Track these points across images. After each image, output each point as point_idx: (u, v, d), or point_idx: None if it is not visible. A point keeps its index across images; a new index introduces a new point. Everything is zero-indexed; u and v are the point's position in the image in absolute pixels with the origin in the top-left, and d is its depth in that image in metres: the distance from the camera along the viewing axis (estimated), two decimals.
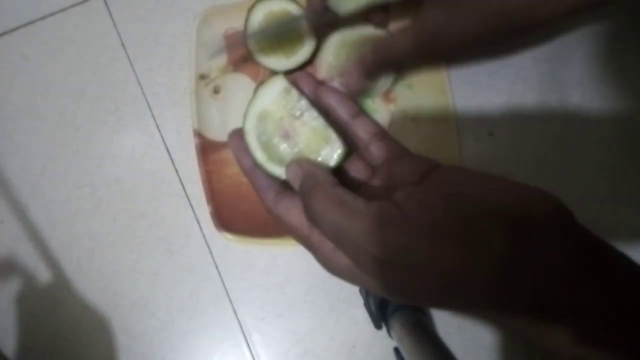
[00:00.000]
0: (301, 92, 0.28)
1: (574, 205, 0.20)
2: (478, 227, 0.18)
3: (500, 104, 0.42)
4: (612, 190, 0.41)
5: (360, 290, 0.41)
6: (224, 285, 0.42)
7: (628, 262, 0.19)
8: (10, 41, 0.44)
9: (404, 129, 0.40)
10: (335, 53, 0.37)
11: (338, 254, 0.23)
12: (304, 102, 0.27)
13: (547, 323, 0.19)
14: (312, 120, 0.27)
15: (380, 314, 0.38)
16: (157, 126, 0.43)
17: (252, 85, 0.41)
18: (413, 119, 0.40)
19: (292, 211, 0.25)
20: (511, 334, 0.41)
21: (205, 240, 0.42)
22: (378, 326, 0.39)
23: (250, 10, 0.37)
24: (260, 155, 0.27)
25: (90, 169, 0.42)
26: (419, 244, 0.19)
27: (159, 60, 0.43)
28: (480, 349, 0.41)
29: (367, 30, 0.36)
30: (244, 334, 0.41)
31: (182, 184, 0.42)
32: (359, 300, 0.41)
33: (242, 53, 0.39)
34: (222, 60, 0.42)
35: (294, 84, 0.29)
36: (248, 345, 0.41)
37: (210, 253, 0.42)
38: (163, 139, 0.43)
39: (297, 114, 0.27)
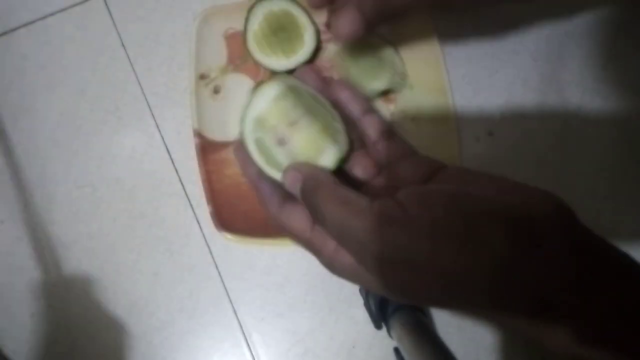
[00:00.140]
0: (305, 89, 0.28)
1: (574, 205, 0.20)
2: (478, 226, 0.18)
3: (500, 104, 0.42)
4: (612, 190, 0.41)
5: (360, 290, 0.41)
6: (224, 285, 0.42)
7: (630, 262, 0.19)
8: (10, 41, 0.44)
9: (404, 129, 0.40)
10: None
11: (340, 254, 0.23)
12: (299, 110, 0.27)
13: (547, 323, 0.19)
14: (308, 126, 0.27)
15: (380, 314, 0.38)
16: (157, 126, 0.43)
17: (252, 85, 0.41)
18: (413, 119, 0.40)
19: (294, 217, 0.25)
20: (511, 334, 0.41)
21: (205, 240, 0.42)
22: (378, 326, 0.39)
23: (250, 10, 0.37)
24: (258, 159, 0.27)
25: (90, 169, 0.42)
26: (419, 244, 0.19)
27: (159, 60, 0.43)
28: (480, 349, 0.41)
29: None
30: (244, 334, 0.41)
31: (182, 184, 0.42)
32: (359, 300, 0.41)
33: (242, 53, 0.39)
34: (222, 60, 0.42)
35: (298, 84, 0.28)
36: (248, 345, 0.41)
37: (210, 253, 0.42)
38: (163, 139, 0.43)
39: (293, 120, 0.27)
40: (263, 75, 0.40)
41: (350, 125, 0.29)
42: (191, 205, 0.42)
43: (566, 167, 0.42)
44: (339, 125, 0.28)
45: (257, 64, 0.38)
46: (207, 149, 0.40)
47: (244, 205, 0.40)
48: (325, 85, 0.30)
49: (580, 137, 0.42)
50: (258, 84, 0.28)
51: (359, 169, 0.28)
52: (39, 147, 0.43)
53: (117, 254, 0.42)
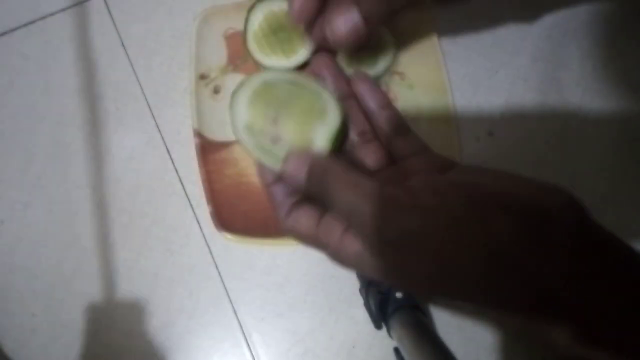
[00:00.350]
0: (280, 78, 0.28)
1: None
2: (489, 217, 0.18)
3: (500, 104, 0.42)
4: (612, 190, 0.41)
5: (360, 290, 0.41)
6: (224, 285, 0.42)
7: None
8: (10, 41, 0.44)
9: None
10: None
11: (345, 243, 0.23)
12: (273, 105, 0.27)
13: (547, 320, 0.19)
14: (289, 117, 0.27)
15: (380, 314, 0.38)
16: (157, 126, 0.43)
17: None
18: (413, 119, 0.40)
19: (301, 219, 0.25)
20: (511, 333, 0.41)
21: (205, 240, 0.42)
22: (378, 326, 0.39)
23: (250, 10, 0.37)
24: (267, 161, 0.27)
25: (90, 169, 0.42)
26: (427, 230, 0.19)
27: (159, 60, 0.43)
28: (480, 349, 0.41)
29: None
30: (244, 334, 0.41)
31: (182, 184, 0.42)
32: (359, 300, 0.41)
33: (242, 53, 0.39)
34: (222, 60, 0.42)
35: (270, 76, 0.28)
36: (248, 345, 0.41)
37: (210, 253, 0.42)
38: (163, 139, 0.43)
39: (273, 117, 0.27)
40: None
41: (366, 116, 0.29)
42: (191, 205, 0.42)
43: (566, 167, 0.42)
44: (325, 100, 0.27)
45: (257, 64, 0.38)
46: (207, 149, 0.40)
47: (244, 205, 0.40)
48: (341, 77, 0.30)
49: (580, 137, 0.42)
50: (232, 95, 0.28)
51: (371, 159, 0.28)
52: (39, 147, 0.43)
53: (117, 254, 0.42)
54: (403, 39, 0.40)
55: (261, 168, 0.28)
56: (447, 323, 0.41)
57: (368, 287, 0.39)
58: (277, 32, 0.38)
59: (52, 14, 0.44)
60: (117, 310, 0.42)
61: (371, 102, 0.29)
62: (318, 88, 0.28)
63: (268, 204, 0.28)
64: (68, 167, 0.43)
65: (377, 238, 0.20)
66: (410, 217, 0.19)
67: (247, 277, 0.42)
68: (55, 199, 0.42)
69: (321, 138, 0.27)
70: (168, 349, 0.41)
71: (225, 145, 0.41)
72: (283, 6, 0.37)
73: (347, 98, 0.29)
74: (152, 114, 0.43)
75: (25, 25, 0.44)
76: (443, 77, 0.40)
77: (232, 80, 0.41)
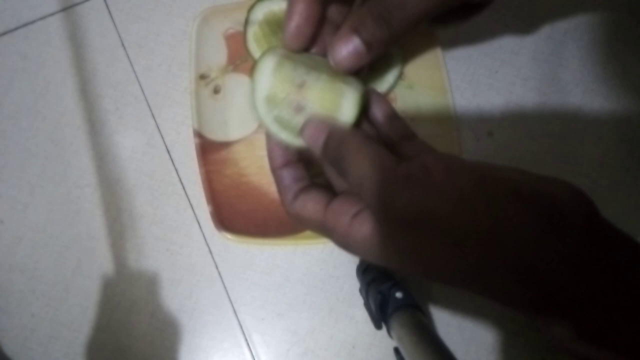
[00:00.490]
0: (298, 54, 0.27)
1: None
2: (503, 202, 0.18)
3: (500, 104, 0.42)
4: (612, 190, 0.41)
5: (360, 290, 0.41)
6: (224, 285, 0.42)
7: None
8: (10, 41, 0.44)
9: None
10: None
11: (354, 227, 0.23)
12: (301, 70, 0.26)
13: (549, 315, 0.18)
14: (317, 80, 0.26)
15: (380, 314, 0.38)
16: (157, 126, 0.43)
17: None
18: (413, 119, 0.40)
19: (308, 204, 0.25)
20: (511, 332, 0.41)
21: (205, 240, 0.42)
22: (378, 326, 0.39)
23: (250, 10, 0.37)
24: (284, 136, 0.26)
25: (90, 169, 0.42)
26: (440, 209, 0.19)
27: (159, 60, 0.43)
28: (480, 349, 0.41)
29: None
30: (244, 334, 0.41)
31: (182, 184, 0.42)
32: (359, 300, 0.41)
33: (242, 53, 0.39)
34: (222, 60, 0.42)
35: (290, 53, 0.27)
36: (248, 345, 0.41)
37: (210, 253, 0.42)
38: (163, 139, 0.43)
39: (300, 82, 0.27)
40: None
41: (372, 125, 0.29)
42: (191, 205, 0.42)
43: (566, 167, 0.42)
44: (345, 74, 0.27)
45: None
46: (207, 149, 0.40)
47: (244, 205, 0.40)
48: None
49: (580, 137, 0.42)
50: (253, 67, 0.28)
51: (378, 112, 0.28)
52: (39, 147, 0.43)
53: (117, 254, 0.42)
54: (403, 39, 0.40)
55: (271, 150, 0.28)
56: (447, 323, 0.41)
57: (368, 287, 0.39)
58: (277, 32, 0.38)
59: (52, 14, 0.44)
60: (117, 310, 0.42)
61: (378, 112, 0.29)
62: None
63: (275, 185, 0.28)
64: (68, 167, 0.43)
65: (387, 213, 0.20)
66: (426, 195, 0.19)
67: (247, 277, 0.42)
68: (55, 199, 0.42)
69: (350, 102, 0.26)
70: (168, 349, 0.41)
71: (225, 145, 0.41)
72: (283, 6, 0.37)
73: None
74: (152, 114, 0.43)
75: (25, 25, 0.44)
76: (443, 77, 0.40)
77: (232, 80, 0.41)
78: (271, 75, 0.26)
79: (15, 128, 0.43)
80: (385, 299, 0.38)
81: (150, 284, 0.41)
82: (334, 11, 0.28)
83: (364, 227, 0.22)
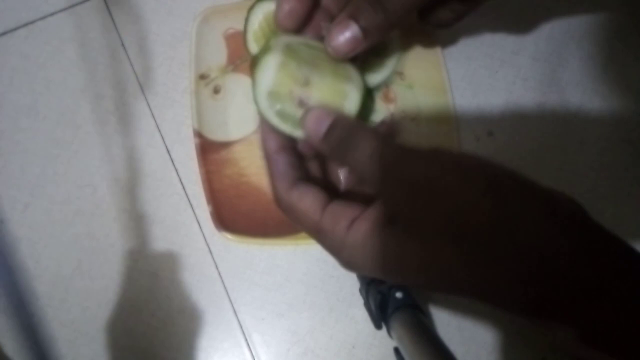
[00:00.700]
0: (298, 42, 0.27)
1: None
2: (514, 201, 0.18)
3: (500, 104, 0.42)
4: (612, 190, 0.41)
5: (360, 290, 0.41)
6: (224, 285, 0.42)
7: None
8: (10, 41, 0.44)
9: (404, 129, 0.40)
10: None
11: (352, 233, 0.22)
12: (305, 69, 0.26)
13: (548, 319, 0.18)
14: (322, 78, 0.26)
15: (380, 314, 0.38)
16: (157, 126, 0.43)
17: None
18: (413, 119, 0.40)
19: (306, 197, 0.24)
20: (511, 334, 0.41)
21: (205, 240, 0.42)
22: (378, 326, 0.39)
23: (250, 10, 0.37)
24: (285, 128, 0.26)
25: (90, 169, 0.42)
26: (448, 208, 0.19)
27: (159, 60, 0.43)
28: (480, 349, 0.41)
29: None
30: (244, 334, 0.41)
31: (182, 184, 0.42)
32: (359, 300, 0.41)
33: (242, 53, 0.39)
34: (222, 60, 0.42)
35: (290, 40, 0.27)
36: (248, 345, 0.41)
37: (210, 253, 0.42)
38: (163, 139, 0.43)
39: (304, 80, 0.26)
40: None
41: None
42: (191, 205, 0.42)
43: (566, 167, 0.42)
44: (347, 68, 0.27)
45: None
46: (207, 149, 0.40)
47: (244, 205, 0.40)
48: None
49: (580, 137, 0.42)
50: (254, 60, 0.27)
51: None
52: (39, 147, 0.43)
53: (117, 254, 0.42)
54: (403, 39, 0.40)
55: (265, 135, 0.27)
56: (447, 323, 0.41)
57: (368, 287, 0.39)
58: (277, 32, 0.38)
59: (52, 14, 0.44)
60: (117, 308, 0.42)
61: None
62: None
63: (268, 175, 0.26)
64: (68, 167, 0.43)
65: (393, 203, 0.20)
66: (432, 193, 0.19)
67: (247, 277, 0.42)
68: (55, 199, 0.42)
69: (352, 99, 0.26)
70: (168, 349, 0.41)
71: (225, 145, 0.41)
72: None
73: None
74: (152, 114, 0.43)
75: (25, 25, 0.44)
76: (443, 77, 0.40)
77: (232, 80, 0.41)
78: (275, 73, 0.26)
79: (15, 128, 0.43)
80: (385, 299, 0.38)
81: (150, 284, 0.41)
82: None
83: (362, 232, 0.21)
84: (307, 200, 0.24)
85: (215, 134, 0.40)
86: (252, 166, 0.41)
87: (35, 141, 0.43)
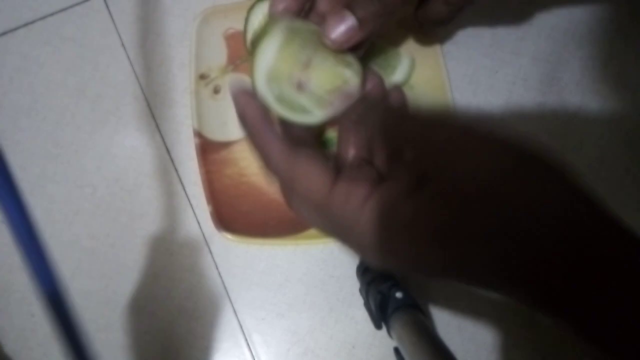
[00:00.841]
0: (299, 24, 0.27)
1: None
2: (540, 177, 0.18)
3: (500, 104, 0.42)
4: (612, 190, 0.41)
5: (360, 290, 0.41)
6: (224, 285, 0.42)
7: None
8: (10, 41, 0.44)
9: None
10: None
11: (369, 207, 0.20)
12: (309, 49, 0.26)
13: (550, 312, 0.18)
14: (323, 61, 0.26)
15: (380, 314, 0.38)
16: (157, 126, 0.43)
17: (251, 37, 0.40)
18: None
19: (314, 163, 0.21)
20: (511, 333, 0.41)
21: (205, 240, 0.42)
22: (378, 326, 0.39)
23: (250, 10, 0.37)
24: (283, 112, 0.25)
25: (90, 169, 0.42)
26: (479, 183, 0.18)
27: (159, 60, 0.43)
28: (480, 349, 0.41)
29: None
30: (244, 334, 0.41)
31: (182, 184, 0.42)
32: (359, 300, 0.41)
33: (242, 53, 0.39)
34: (222, 60, 0.42)
35: (293, 22, 0.26)
36: (248, 345, 0.41)
37: (210, 253, 0.42)
38: (163, 139, 0.43)
39: (305, 61, 0.26)
40: None
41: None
42: (191, 205, 0.42)
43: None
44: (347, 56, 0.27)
45: None
46: (207, 149, 0.40)
47: (244, 205, 0.40)
48: None
49: (580, 137, 0.42)
50: (255, 37, 0.26)
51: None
52: (39, 147, 0.43)
53: (117, 254, 0.42)
54: (403, 39, 0.40)
55: (246, 103, 0.24)
56: (447, 323, 0.41)
57: (368, 287, 0.39)
58: (277, 16, 0.38)
59: (52, 14, 0.44)
60: (117, 310, 0.42)
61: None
62: None
63: (254, 146, 0.23)
64: (68, 167, 0.43)
65: (428, 164, 0.19)
66: (467, 159, 0.18)
67: (247, 277, 0.42)
68: (55, 199, 0.42)
69: (352, 83, 0.26)
70: (168, 349, 0.41)
71: (225, 145, 0.41)
72: None
73: None
74: (152, 114, 0.43)
75: (25, 25, 0.44)
76: (443, 77, 0.40)
77: (232, 80, 0.41)
78: (276, 54, 0.25)
79: (15, 128, 0.43)
80: (385, 299, 0.38)
81: (150, 284, 0.41)
82: None
83: (382, 205, 0.19)
84: (316, 167, 0.21)
85: (215, 134, 0.40)
86: (252, 166, 0.41)
87: (35, 141, 0.43)
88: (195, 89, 0.40)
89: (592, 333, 0.17)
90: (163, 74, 0.43)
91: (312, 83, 0.26)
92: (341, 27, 0.25)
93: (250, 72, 0.26)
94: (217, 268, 0.42)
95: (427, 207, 0.18)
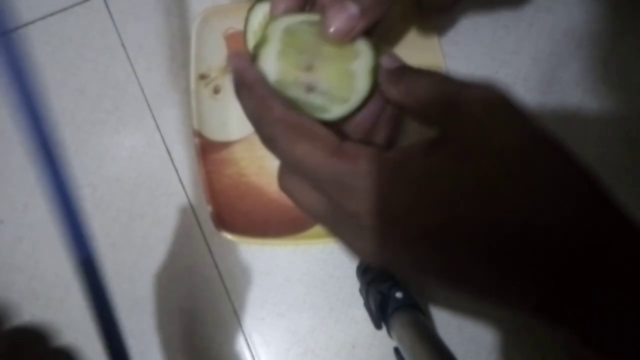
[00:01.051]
0: (296, 20, 0.26)
1: None
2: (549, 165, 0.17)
3: None
4: (612, 190, 0.41)
5: (360, 290, 0.41)
6: (224, 285, 0.42)
7: None
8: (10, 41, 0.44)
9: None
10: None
11: (374, 166, 0.18)
12: (306, 52, 0.25)
13: (546, 320, 0.18)
14: (326, 60, 0.25)
15: (380, 314, 0.38)
16: (157, 126, 0.43)
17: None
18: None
19: (318, 125, 0.20)
20: (510, 333, 0.41)
21: (205, 240, 0.42)
22: (378, 326, 0.39)
23: (250, 10, 0.37)
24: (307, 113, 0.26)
25: (90, 169, 0.42)
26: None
27: (159, 60, 0.43)
28: (480, 349, 0.41)
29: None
30: (244, 334, 0.41)
31: (182, 184, 0.42)
32: (359, 300, 0.41)
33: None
34: (222, 60, 0.42)
35: (289, 20, 0.26)
36: (248, 345, 0.41)
37: (210, 253, 0.42)
38: (163, 139, 0.43)
39: (307, 65, 0.26)
40: None
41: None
42: (191, 205, 0.42)
43: None
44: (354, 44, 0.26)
45: None
46: (207, 149, 0.40)
47: (244, 205, 0.40)
48: None
49: (580, 137, 0.42)
50: (253, 55, 0.26)
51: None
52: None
53: (117, 253, 0.42)
54: (403, 39, 0.40)
55: (242, 63, 0.23)
56: (447, 323, 0.41)
57: (368, 287, 0.39)
58: (272, 18, 0.37)
59: (52, 14, 0.44)
60: (117, 310, 0.41)
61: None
62: None
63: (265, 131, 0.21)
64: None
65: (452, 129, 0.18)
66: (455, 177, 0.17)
67: (247, 277, 0.42)
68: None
69: (359, 85, 0.26)
70: (168, 349, 0.41)
71: (225, 145, 0.41)
72: None
73: None
74: (152, 114, 0.43)
75: (25, 25, 0.44)
76: None
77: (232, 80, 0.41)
78: (275, 63, 0.25)
79: (15, 128, 0.43)
80: (385, 299, 0.38)
81: (150, 284, 0.41)
82: None
83: (400, 157, 0.18)
84: (320, 128, 0.20)
85: (215, 134, 0.40)
86: (252, 166, 0.41)
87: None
88: (195, 89, 0.40)
89: (592, 334, 0.17)
90: (163, 74, 0.43)
91: (321, 83, 0.26)
92: (342, 16, 0.24)
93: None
94: (217, 268, 0.42)
95: (442, 165, 0.17)
